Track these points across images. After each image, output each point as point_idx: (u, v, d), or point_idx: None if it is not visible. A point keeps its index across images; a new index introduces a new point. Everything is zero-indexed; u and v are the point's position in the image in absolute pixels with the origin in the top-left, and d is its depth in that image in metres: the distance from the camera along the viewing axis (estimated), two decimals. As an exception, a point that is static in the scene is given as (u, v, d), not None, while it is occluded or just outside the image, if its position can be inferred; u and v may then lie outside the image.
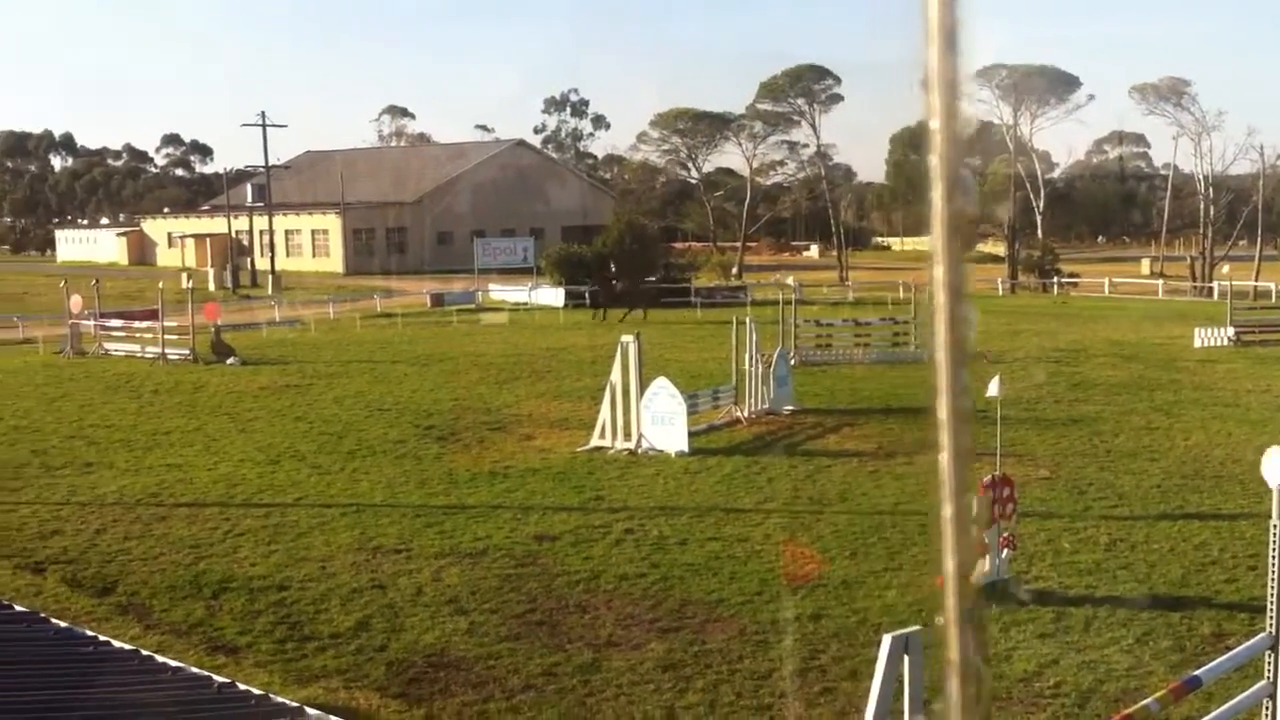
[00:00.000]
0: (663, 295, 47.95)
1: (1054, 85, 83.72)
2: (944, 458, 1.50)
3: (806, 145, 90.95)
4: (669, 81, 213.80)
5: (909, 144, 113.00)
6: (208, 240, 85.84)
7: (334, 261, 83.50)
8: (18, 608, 6.45)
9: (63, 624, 5.86)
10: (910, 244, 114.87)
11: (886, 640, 6.83)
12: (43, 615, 6.22)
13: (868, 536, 13.99)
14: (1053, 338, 36.95)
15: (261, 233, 77.14)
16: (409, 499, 16.31)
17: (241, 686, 4.92)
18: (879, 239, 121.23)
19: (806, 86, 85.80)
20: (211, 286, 65.53)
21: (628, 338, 19.58)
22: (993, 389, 12.39)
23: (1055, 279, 66.70)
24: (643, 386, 19.38)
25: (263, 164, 74.82)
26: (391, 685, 9.78)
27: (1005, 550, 11.82)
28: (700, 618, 11.28)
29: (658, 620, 11.24)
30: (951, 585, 1.52)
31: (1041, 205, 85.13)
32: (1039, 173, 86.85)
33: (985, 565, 11.53)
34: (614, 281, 46.33)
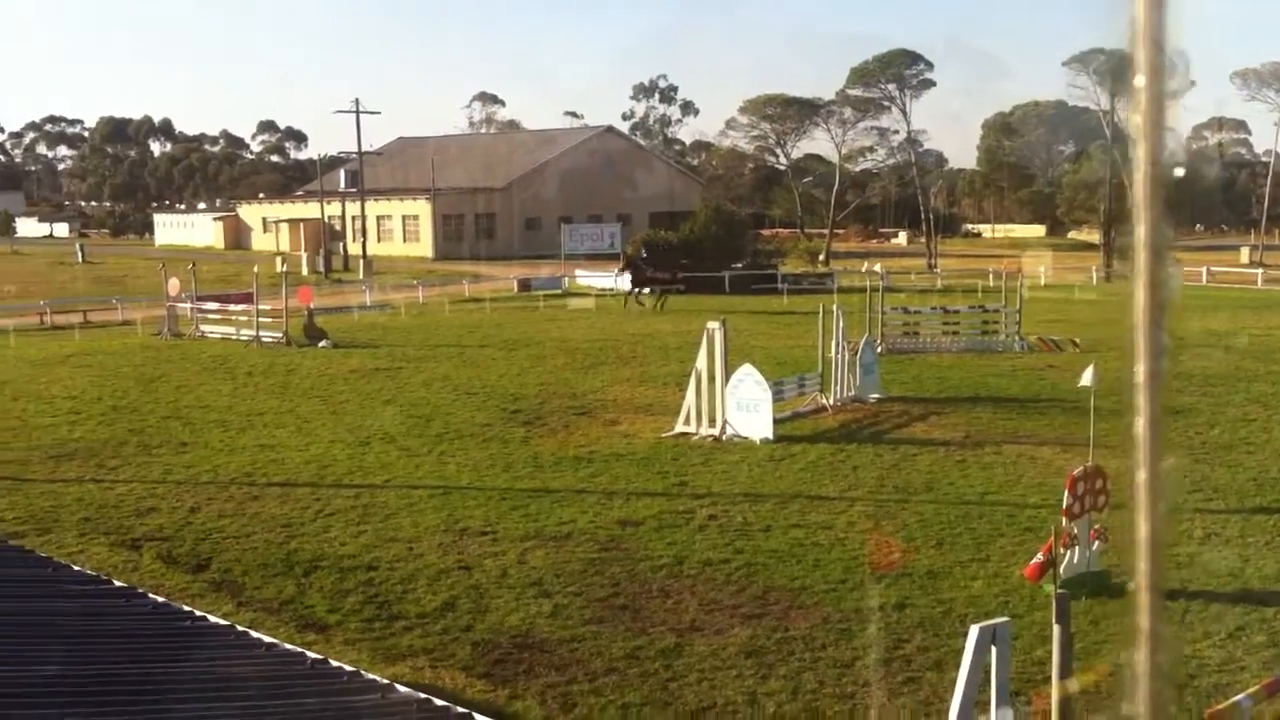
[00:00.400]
0: (677, 283, 45.89)
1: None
2: (1140, 422, 1.47)
3: (897, 131, 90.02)
4: (758, 67, 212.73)
5: (1001, 130, 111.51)
6: (301, 225, 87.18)
7: (424, 246, 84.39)
8: (116, 583, 6.63)
9: (160, 599, 6.02)
10: (1002, 231, 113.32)
11: (974, 631, 6.79)
12: (141, 590, 6.39)
13: (954, 526, 13.86)
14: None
15: (354, 218, 78.16)
16: (495, 482, 16.47)
17: (334, 663, 5.02)
18: (969, 226, 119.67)
19: (898, 72, 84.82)
20: (305, 271, 66.54)
21: (714, 324, 19.57)
22: (1086, 378, 12.19)
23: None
24: (728, 373, 19.36)
25: (356, 150, 75.80)
26: (477, 665, 9.90)
27: (1096, 542, 11.64)
28: (783, 604, 11.27)
29: (741, 606, 11.24)
30: (1144, 552, 1.49)
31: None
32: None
33: (1074, 557, 11.37)
34: (646, 270, 44.76)
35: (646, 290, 44.00)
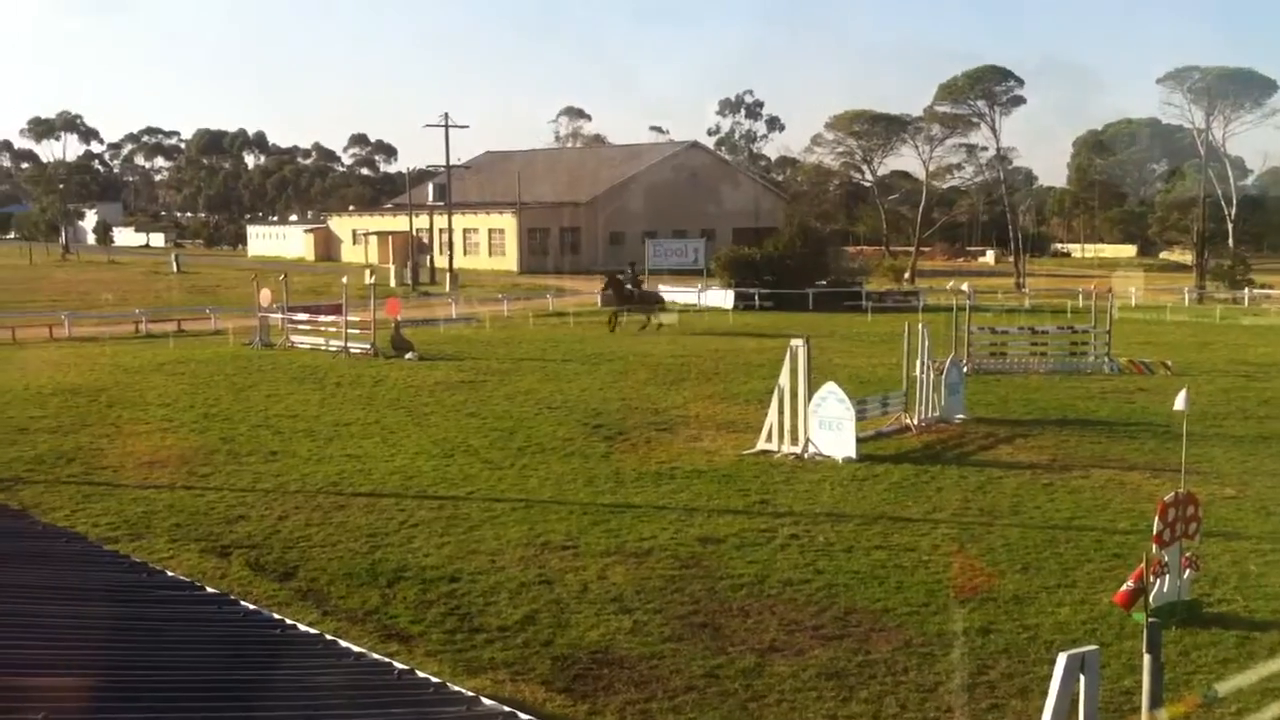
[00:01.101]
0: (661, 303, 43.75)
1: (1249, 89, 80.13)
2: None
3: (985, 148, 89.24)
4: (845, 83, 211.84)
5: (1093, 147, 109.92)
6: (390, 237, 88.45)
7: (509, 260, 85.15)
8: (209, 589, 6.77)
9: (251, 606, 6.13)
10: (1091, 250, 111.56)
11: (1062, 658, 6.68)
12: (232, 597, 6.52)
13: (1040, 551, 13.65)
14: (1242, 350, 35.45)
15: (441, 231, 79.13)
16: (576, 496, 16.53)
17: (420, 674, 5.08)
18: (1058, 245, 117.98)
19: (987, 88, 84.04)
20: (392, 283, 67.44)
21: (797, 341, 19.50)
22: (1179, 403, 11.95)
23: (1246, 289, 63.90)
24: (811, 391, 19.27)
25: (444, 164, 76.72)
26: (557, 680, 9.94)
27: (1187, 570, 11.39)
28: (865, 626, 11.17)
29: (821, 627, 11.17)
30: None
31: (1233, 213, 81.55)
32: (1231, 179, 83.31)
33: (1165, 585, 11.14)
34: (629, 287, 42.13)
35: (631, 312, 42.05)
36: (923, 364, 21.80)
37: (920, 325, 22.43)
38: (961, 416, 22.22)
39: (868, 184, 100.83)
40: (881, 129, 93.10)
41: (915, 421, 21.42)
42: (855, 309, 50.23)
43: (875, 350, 33.67)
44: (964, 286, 30.81)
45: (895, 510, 15.64)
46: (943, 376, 22.18)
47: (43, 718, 3.35)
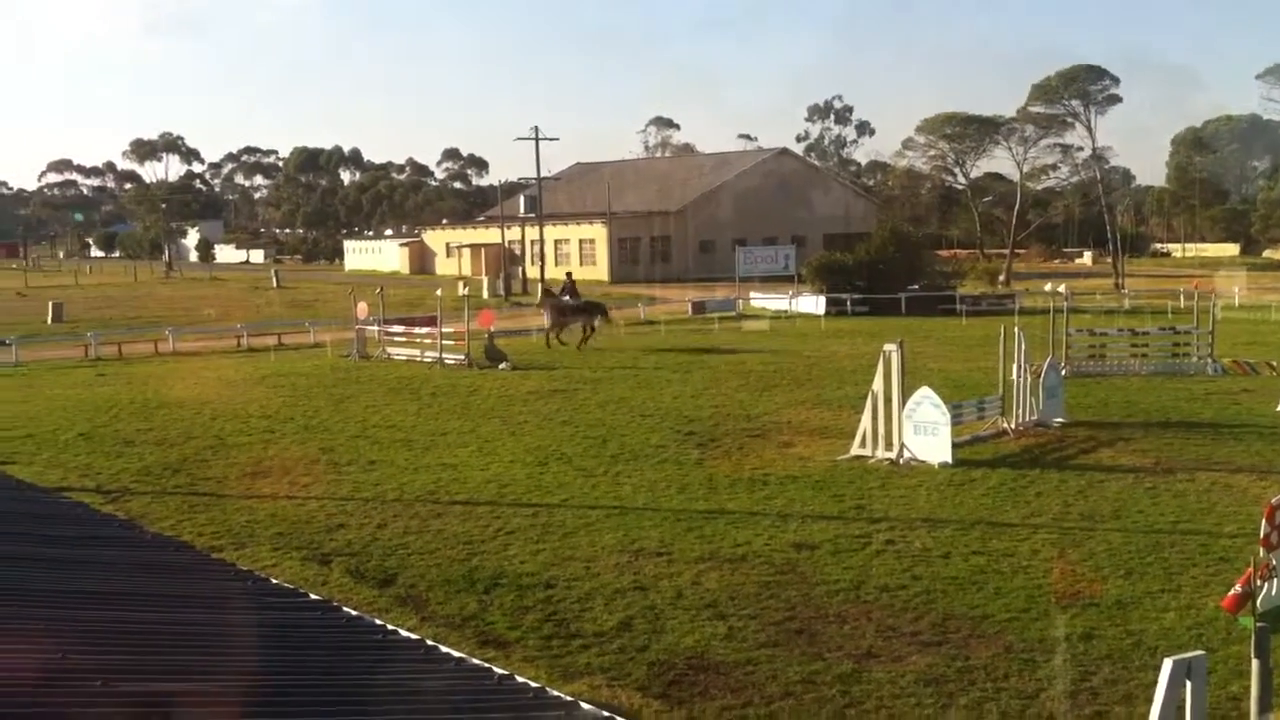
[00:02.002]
0: (601, 314, 39.50)
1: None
2: None
3: (1081, 148, 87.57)
4: (936, 86, 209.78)
5: (1192, 145, 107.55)
6: (482, 250, 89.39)
7: (600, 270, 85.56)
8: (312, 596, 6.92)
9: (354, 612, 6.26)
10: (1192, 250, 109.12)
11: (1168, 665, 6.55)
12: (335, 603, 6.66)
13: (1144, 556, 13.39)
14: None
15: (532, 242, 79.76)
16: (670, 503, 16.57)
17: (519, 679, 5.15)
18: (1157, 245, 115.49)
19: (1082, 88, 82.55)
20: (485, 294, 68.14)
21: (890, 346, 19.35)
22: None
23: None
24: (905, 395, 19.11)
25: (535, 176, 77.37)
26: (653, 685, 9.97)
27: (1296, 575, 11.09)
28: (964, 633, 11.05)
29: (919, 633, 11.07)
30: None
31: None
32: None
33: (1273, 589, 10.87)
34: (565, 298, 38.77)
35: (568, 326, 38.88)
36: (1020, 367, 21.50)
37: (1016, 328, 22.13)
38: (1060, 420, 21.87)
39: (960, 187, 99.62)
40: (974, 131, 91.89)
41: (1012, 425, 21.13)
42: (949, 313, 49.65)
43: (970, 354, 33.26)
44: (1061, 288, 30.31)
45: (993, 515, 15.44)
46: (1040, 379, 21.85)
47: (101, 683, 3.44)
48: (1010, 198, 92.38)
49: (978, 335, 37.67)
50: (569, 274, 41.44)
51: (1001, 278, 73.58)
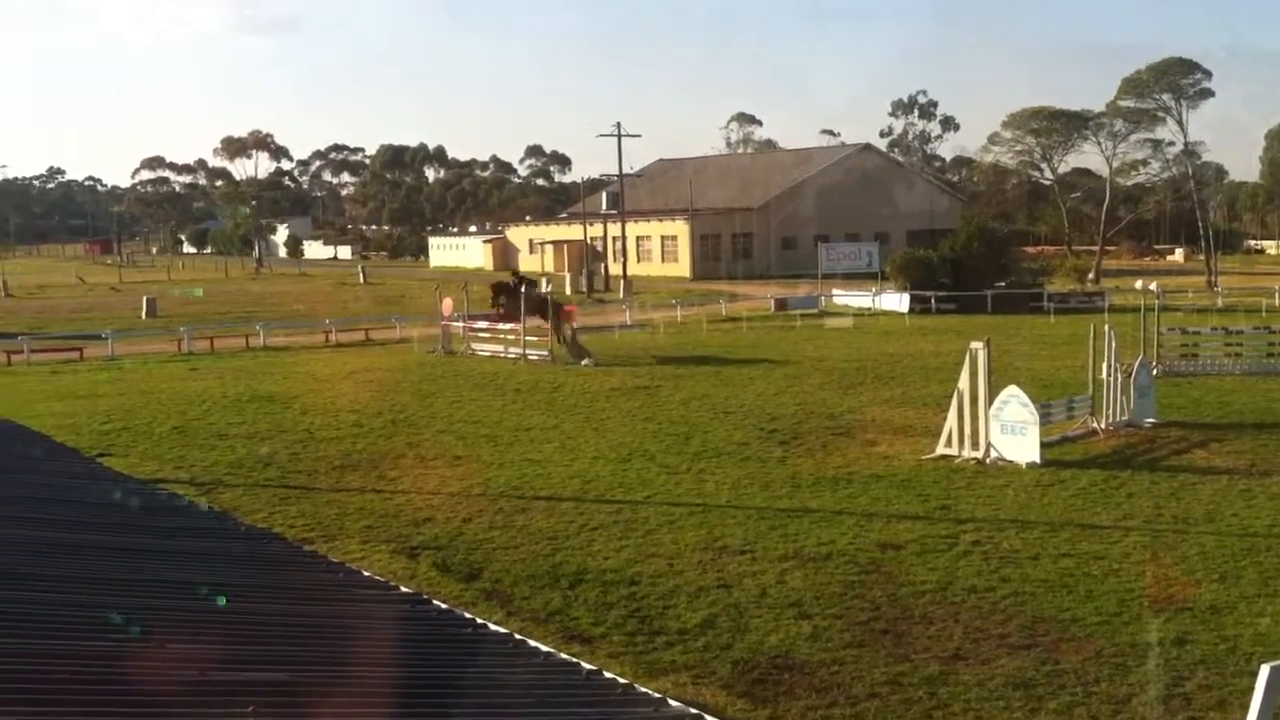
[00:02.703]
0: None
1: None
2: None
3: (1172, 143, 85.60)
4: (1023, 81, 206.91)
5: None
6: (565, 246, 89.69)
7: (681, 266, 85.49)
8: (403, 589, 7.00)
9: (443, 605, 6.33)
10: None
11: (1264, 671, 6.40)
12: (425, 596, 6.74)
13: (1239, 559, 13.10)
14: None
15: (614, 239, 79.93)
16: (753, 501, 16.53)
17: (607, 675, 5.18)
18: (1251, 242, 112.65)
19: (1173, 81, 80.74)
20: (568, 290, 68.39)
21: (977, 344, 19.12)
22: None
23: None
24: (992, 394, 18.88)
25: (617, 173, 77.53)
26: (737, 684, 9.96)
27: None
28: (1053, 636, 10.90)
29: (1008, 636, 10.93)
30: None
31: None
32: None
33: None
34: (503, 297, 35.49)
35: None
36: (1110, 366, 21.12)
37: (1106, 326, 21.76)
38: (1152, 420, 21.46)
39: (1047, 182, 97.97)
40: (1061, 125, 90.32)
41: (1103, 425, 20.77)
42: (1037, 310, 48.92)
43: (1058, 353, 32.74)
44: (1152, 286, 29.70)
45: (1083, 517, 15.20)
46: (1131, 379, 21.46)
47: (251, 711, 3.52)
48: (1099, 193, 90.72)
49: (1066, 334, 37.08)
50: (514, 273, 36.62)
51: (1090, 275, 72.30)
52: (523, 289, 35.79)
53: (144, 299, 59.06)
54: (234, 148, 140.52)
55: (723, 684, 9.94)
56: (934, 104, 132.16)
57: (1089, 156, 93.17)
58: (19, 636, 4.23)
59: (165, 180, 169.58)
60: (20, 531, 6.18)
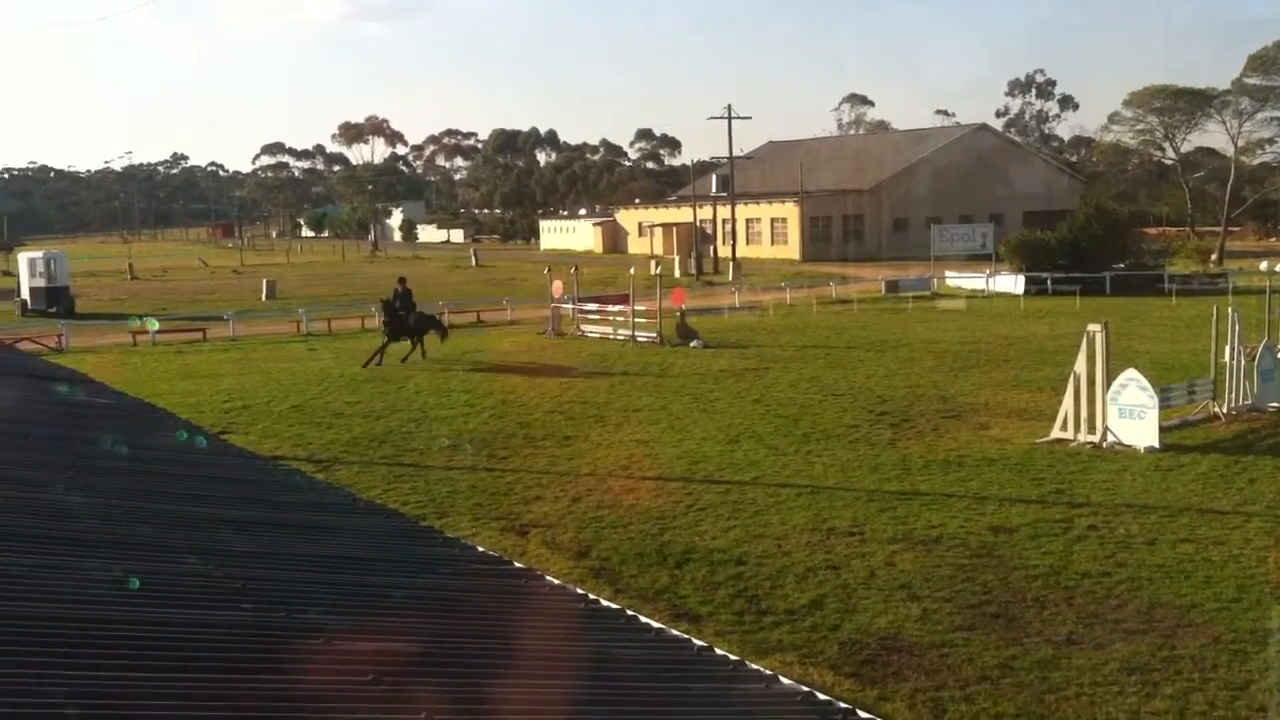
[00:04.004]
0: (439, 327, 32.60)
1: None
2: None
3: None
4: (1144, 58, 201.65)
5: None
6: (674, 229, 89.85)
7: (791, 248, 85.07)
8: (516, 564, 7.16)
9: (556, 581, 6.46)
10: None
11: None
12: (539, 572, 6.88)
13: (1367, 548, 12.72)
14: None
15: (724, 221, 79.83)
16: (862, 483, 16.46)
17: (719, 651, 5.26)
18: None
19: (1303, 56, 78.09)
20: (677, 273, 68.50)
21: (1094, 326, 18.78)
22: None
23: None
24: (1109, 378, 18.53)
25: (727, 155, 77.35)
26: (845, 664, 9.97)
27: None
28: (1170, 621, 10.71)
29: (1122, 621, 10.77)
30: None
31: None
32: None
33: None
34: (401, 312, 31.18)
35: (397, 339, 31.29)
36: (1233, 349, 20.58)
37: (1230, 309, 21.20)
38: (1276, 405, 20.87)
39: (1170, 162, 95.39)
40: (1184, 104, 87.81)
41: (1225, 410, 20.26)
42: (1158, 293, 47.76)
43: (1179, 336, 31.97)
44: (1278, 267, 28.83)
45: (1203, 502, 14.88)
46: (1255, 362, 20.89)
47: (424, 717, 3.62)
48: (1223, 173, 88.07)
49: (1188, 316, 36.18)
50: (402, 279, 32.19)
51: (1214, 256, 70.33)
52: (396, 300, 31.47)
53: (264, 281, 60.55)
54: (351, 134, 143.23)
55: (830, 664, 9.96)
56: (1052, 83, 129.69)
57: (1213, 135, 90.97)
58: (161, 605, 4.44)
59: (285, 165, 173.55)
60: (151, 505, 6.44)
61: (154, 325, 39.10)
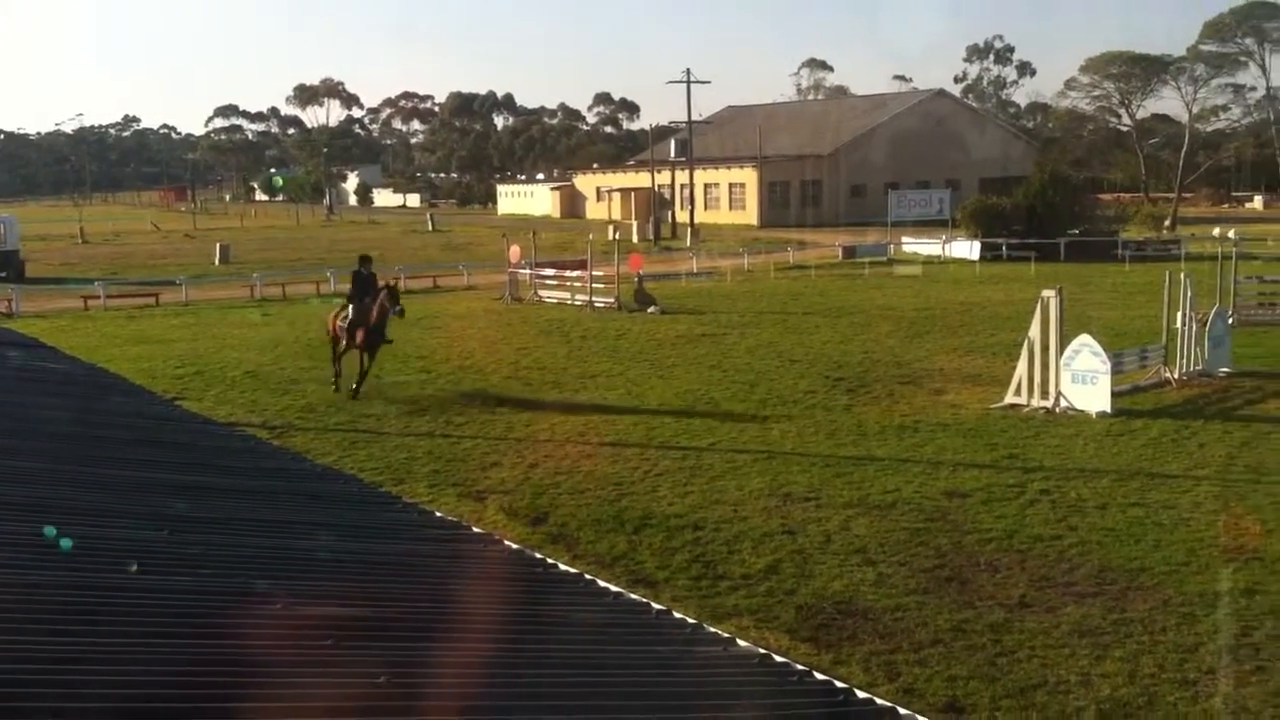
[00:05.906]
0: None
1: None
2: None
3: (1254, 88, 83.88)
4: (1101, 24, 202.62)
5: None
6: (632, 194, 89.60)
7: (749, 214, 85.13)
8: (475, 529, 7.16)
9: (515, 545, 6.47)
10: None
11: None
12: (496, 536, 6.89)
13: (1313, 512, 12.94)
14: None
15: (682, 186, 79.70)
16: (818, 449, 16.56)
17: (676, 615, 5.29)
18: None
19: (1256, 25, 78.89)
20: (635, 238, 68.38)
21: (1049, 292, 18.94)
22: None
23: None
24: (1063, 344, 18.71)
25: (686, 120, 77.17)
26: (801, 629, 10.05)
27: None
28: (1120, 585, 10.87)
29: (1074, 584, 10.92)
30: None
31: None
32: None
33: None
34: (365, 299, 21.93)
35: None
36: (1185, 315, 20.83)
37: (1182, 275, 21.44)
38: (1226, 370, 21.17)
39: (1125, 129, 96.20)
40: (1140, 71, 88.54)
41: (1176, 375, 20.53)
42: (1111, 259, 48.21)
43: (1132, 301, 32.32)
44: (1230, 234, 29.18)
45: (1153, 466, 15.08)
46: (1206, 328, 21.16)
47: (384, 680, 3.62)
48: (1178, 140, 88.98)
49: (1140, 282, 36.56)
50: (365, 259, 23.99)
51: (1167, 223, 71.00)
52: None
53: (217, 245, 59.92)
54: (306, 96, 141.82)
55: (786, 629, 10.05)
56: (1010, 49, 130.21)
57: (1168, 102, 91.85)
58: (113, 571, 4.41)
59: (238, 128, 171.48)
60: (104, 471, 6.38)
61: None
